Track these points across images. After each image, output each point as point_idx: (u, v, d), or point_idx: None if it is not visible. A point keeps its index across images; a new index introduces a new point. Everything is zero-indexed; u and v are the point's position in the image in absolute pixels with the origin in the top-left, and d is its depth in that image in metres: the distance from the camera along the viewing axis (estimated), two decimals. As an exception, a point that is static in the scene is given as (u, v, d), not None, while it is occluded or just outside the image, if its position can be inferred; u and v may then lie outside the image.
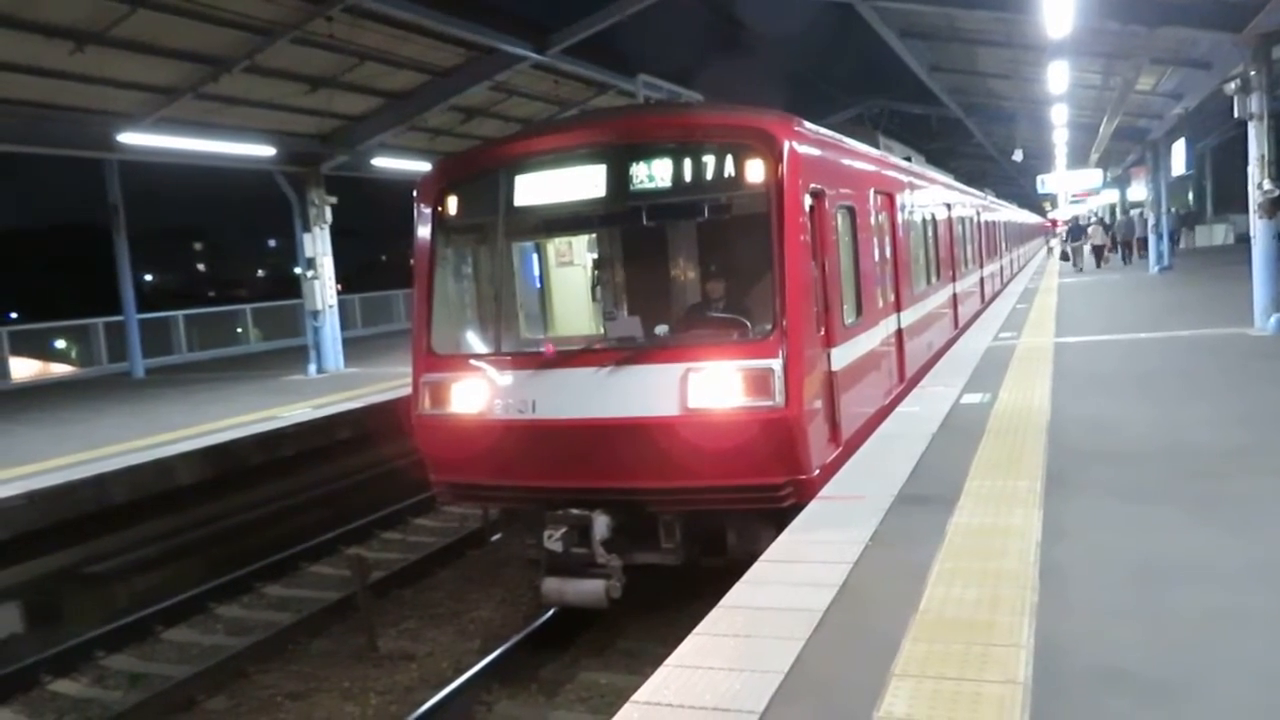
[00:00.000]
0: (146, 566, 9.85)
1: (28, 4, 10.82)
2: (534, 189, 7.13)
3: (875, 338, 8.55)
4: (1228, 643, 3.50)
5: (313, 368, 17.63)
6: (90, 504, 9.19)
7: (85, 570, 9.31)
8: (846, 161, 8.30)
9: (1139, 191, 33.43)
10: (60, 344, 23.03)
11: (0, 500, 8.53)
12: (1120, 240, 35.19)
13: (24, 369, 20.70)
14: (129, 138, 13.86)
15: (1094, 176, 38.51)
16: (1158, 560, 4.39)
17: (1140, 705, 3.10)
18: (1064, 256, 36.04)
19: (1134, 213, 35.45)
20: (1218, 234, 40.89)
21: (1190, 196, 44.82)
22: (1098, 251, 33.88)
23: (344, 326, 19.82)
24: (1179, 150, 25.47)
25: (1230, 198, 40.46)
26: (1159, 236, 27.61)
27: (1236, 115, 12.65)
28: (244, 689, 7.41)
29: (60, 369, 22.12)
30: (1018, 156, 38.55)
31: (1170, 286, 21.22)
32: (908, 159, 12.46)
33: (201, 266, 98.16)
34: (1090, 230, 34.74)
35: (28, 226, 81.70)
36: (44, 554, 8.95)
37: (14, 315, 44.25)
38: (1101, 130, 25.75)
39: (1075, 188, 41.74)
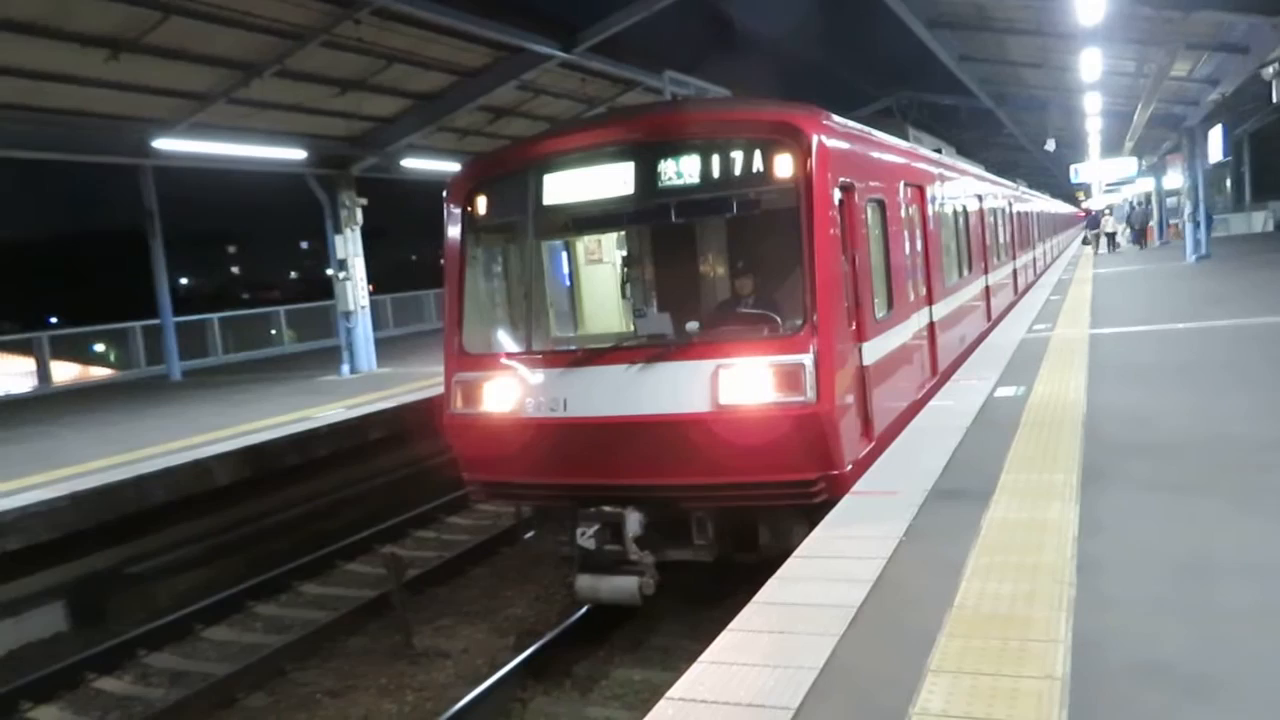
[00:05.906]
0: (186, 566, 10.02)
1: (63, 14, 11.00)
2: (563, 187, 7.14)
3: (907, 331, 8.48)
4: (1270, 637, 3.44)
5: (346, 368, 17.79)
6: (131, 505, 9.34)
7: (127, 570, 9.49)
8: (875, 154, 8.24)
9: (1175, 179, 33.11)
10: (99, 348, 23.39)
11: (45, 502, 8.69)
12: (1137, 228, 39.24)
13: (64, 372, 21.10)
14: (163, 143, 14.07)
15: (1128, 165, 37.96)
16: (1198, 553, 4.32)
17: (1181, 700, 3.06)
18: (1085, 241, 42.55)
19: (1170, 201, 38.53)
20: (1256, 221, 40.06)
21: (1228, 183, 44.01)
22: (1109, 238, 37.71)
23: (376, 327, 19.96)
24: (1216, 136, 25.03)
25: (1270, 184, 39.88)
26: (1195, 225, 27.08)
27: (1275, 100, 12.41)
28: (283, 686, 7.51)
29: (99, 372, 22.46)
30: (1050, 146, 38.05)
31: (1208, 276, 20.84)
32: (938, 151, 12.34)
33: (235, 269, 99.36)
34: (1103, 220, 39.51)
35: (66, 233, 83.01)
36: (87, 554, 9.12)
37: (54, 320, 45.08)
38: (1136, 118, 25.34)
39: (1109, 177, 41.30)
